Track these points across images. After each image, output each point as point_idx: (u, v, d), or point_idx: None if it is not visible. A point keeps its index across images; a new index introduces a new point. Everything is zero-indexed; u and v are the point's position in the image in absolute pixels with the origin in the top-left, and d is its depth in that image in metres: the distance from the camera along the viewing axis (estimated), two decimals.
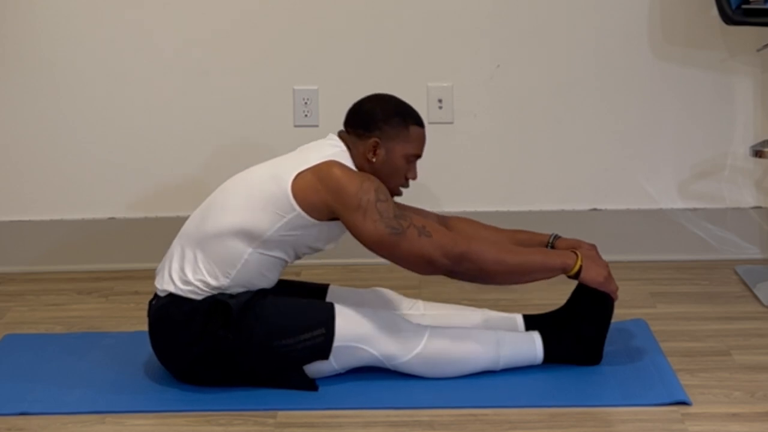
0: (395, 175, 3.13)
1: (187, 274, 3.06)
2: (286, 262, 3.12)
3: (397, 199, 3.31)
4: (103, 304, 3.87)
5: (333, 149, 3.09)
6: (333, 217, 3.03)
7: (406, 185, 3.17)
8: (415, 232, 3.00)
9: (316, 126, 4.10)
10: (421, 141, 3.16)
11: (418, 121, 3.16)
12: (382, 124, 3.10)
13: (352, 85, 4.06)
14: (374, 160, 3.10)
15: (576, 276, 3.11)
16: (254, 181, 3.07)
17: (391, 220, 2.99)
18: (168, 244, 3.18)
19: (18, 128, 4.16)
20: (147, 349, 3.19)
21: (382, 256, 3.05)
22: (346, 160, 3.07)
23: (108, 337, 3.50)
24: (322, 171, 3.01)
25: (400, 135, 3.11)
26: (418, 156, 3.16)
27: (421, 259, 3.01)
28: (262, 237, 3.03)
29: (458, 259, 3.01)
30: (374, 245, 3.02)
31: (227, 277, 3.05)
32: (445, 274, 3.06)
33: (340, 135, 3.15)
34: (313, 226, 3.04)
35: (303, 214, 3.02)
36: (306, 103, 4.12)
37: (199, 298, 3.05)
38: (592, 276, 3.12)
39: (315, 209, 3.02)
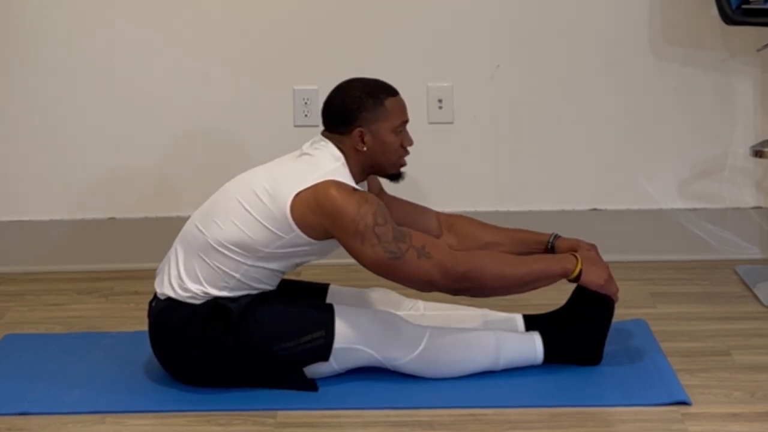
0: (391, 151, 3.10)
1: (185, 281, 3.05)
2: (284, 272, 3.12)
3: (397, 193, 3.32)
4: (103, 304, 3.87)
5: (332, 163, 3.05)
6: (331, 236, 3.02)
7: (406, 153, 3.14)
8: (415, 254, 2.98)
9: (316, 126, 4.06)
10: (401, 108, 3.12)
11: (391, 92, 3.11)
12: (357, 113, 3.06)
13: None
14: (364, 148, 3.08)
15: (576, 279, 3.11)
16: (254, 193, 3.03)
17: (390, 244, 2.97)
18: (168, 244, 3.18)
19: (18, 128, 4.16)
20: (147, 349, 3.19)
21: (383, 277, 3.04)
22: (345, 174, 3.04)
23: (108, 337, 3.50)
24: (320, 193, 2.97)
25: (379, 114, 3.07)
26: (405, 122, 3.13)
27: (422, 281, 3.00)
28: (259, 253, 3.02)
29: (459, 279, 3.00)
30: (374, 269, 3.01)
31: (225, 287, 3.04)
32: (447, 293, 3.06)
33: (325, 135, 3.12)
34: (312, 244, 3.03)
35: (301, 234, 3.00)
36: (306, 103, 4.12)
37: (198, 302, 3.04)
38: (592, 279, 3.11)
39: (313, 231, 3.00)
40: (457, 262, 3.00)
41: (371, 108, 3.07)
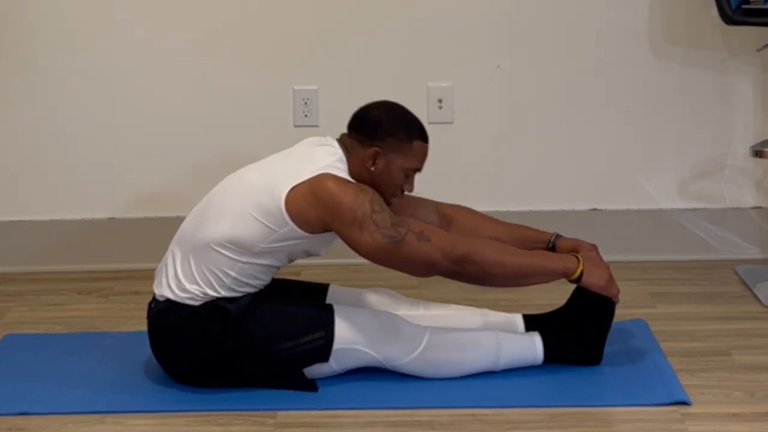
0: (391, 186, 3.10)
1: (183, 282, 3.05)
2: (279, 267, 3.12)
3: None
4: (103, 304, 3.87)
5: (329, 158, 3.05)
6: (327, 229, 3.02)
7: (401, 197, 3.15)
8: (414, 237, 2.98)
9: (316, 126, 4.10)
10: (423, 156, 3.13)
11: (422, 136, 3.12)
12: (386, 135, 3.07)
13: (352, 85, 4.08)
14: (372, 169, 3.07)
15: (577, 281, 3.11)
16: (249, 188, 3.04)
17: (389, 230, 2.97)
18: (168, 244, 3.18)
19: (18, 128, 4.16)
20: (147, 350, 3.18)
21: (383, 264, 3.03)
22: (342, 170, 3.05)
23: (108, 337, 3.50)
24: (316, 185, 2.97)
25: (402, 149, 3.08)
26: (418, 170, 3.14)
27: (423, 264, 3.00)
28: (254, 249, 3.02)
29: (459, 261, 2.99)
30: (373, 256, 3.00)
31: (222, 286, 3.04)
32: (446, 276, 3.05)
33: (342, 138, 3.13)
34: (306, 237, 3.03)
35: (296, 228, 3.00)
36: (306, 103, 4.12)
37: (197, 303, 3.04)
38: (594, 280, 3.11)
39: (309, 224, 3.00)
40: (457, 245, 3.00)
41: (399, 138, 3.08)
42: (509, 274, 3.05)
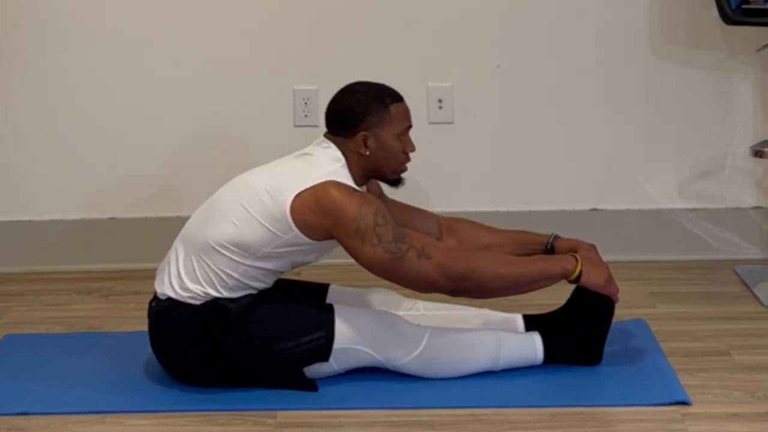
0: (393, 157, 3.11)
1: (185, 281, 3.06)
2: (282, 272, 3.12)
3: (396, 197, 3.32)
4: (103, 304, 3.87)
5: (333, 164, 3.05)
6: (330, 237, 3.02)
7: (407, 159, 3.15)
8: (415, 254, 2.98)
9: (316, 126, 4.09)
10: (405, 114, 3.13)
11: (396, 97, 3.12)
12: (362, 117, 3.07)
13: None
14: (367, 153, 3.08)
15: (576, 280, 3.11)
16: (254, 193, 3.04)
17: (390, 244, 2.97)
18: (168, 244, 3.18)
19: (18, 128, 4.16)
20: (147, 349, 3.19)
21: (383, 278, 3.04)
22: (345, 176, 3.05)
23: (108, 337, 3.50)
24: (320, 193, 2.97)
25: (383, 119, 3.08)
26: (409, 128, 3.14)
27: (422, 282, 3.00)
28: (258, 253, 3.03)
29: (459, 279, 2.99)
30: (374, 269, 3.00)
31: (224, 287, 3.04)
32: (446, 294, 3.06)
33: (327, 137, 3.13)
34: (310, 244, 3.03)
35: (300, 234, 3.00)
36: (306, 103, 4.12)
37: (198, 303, 3.04)
38: (593, 280, 3.11)
39: (312, 231, 3.00)
40: (457, 263, 3.00)
41: (376, 112, 3.08)
42: (509, 285, 3.05)
